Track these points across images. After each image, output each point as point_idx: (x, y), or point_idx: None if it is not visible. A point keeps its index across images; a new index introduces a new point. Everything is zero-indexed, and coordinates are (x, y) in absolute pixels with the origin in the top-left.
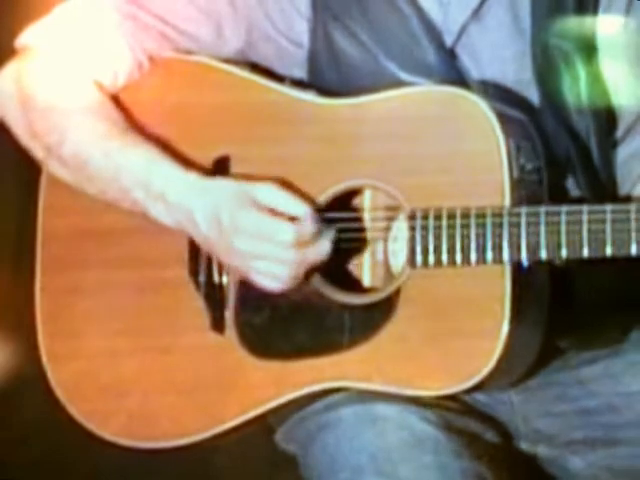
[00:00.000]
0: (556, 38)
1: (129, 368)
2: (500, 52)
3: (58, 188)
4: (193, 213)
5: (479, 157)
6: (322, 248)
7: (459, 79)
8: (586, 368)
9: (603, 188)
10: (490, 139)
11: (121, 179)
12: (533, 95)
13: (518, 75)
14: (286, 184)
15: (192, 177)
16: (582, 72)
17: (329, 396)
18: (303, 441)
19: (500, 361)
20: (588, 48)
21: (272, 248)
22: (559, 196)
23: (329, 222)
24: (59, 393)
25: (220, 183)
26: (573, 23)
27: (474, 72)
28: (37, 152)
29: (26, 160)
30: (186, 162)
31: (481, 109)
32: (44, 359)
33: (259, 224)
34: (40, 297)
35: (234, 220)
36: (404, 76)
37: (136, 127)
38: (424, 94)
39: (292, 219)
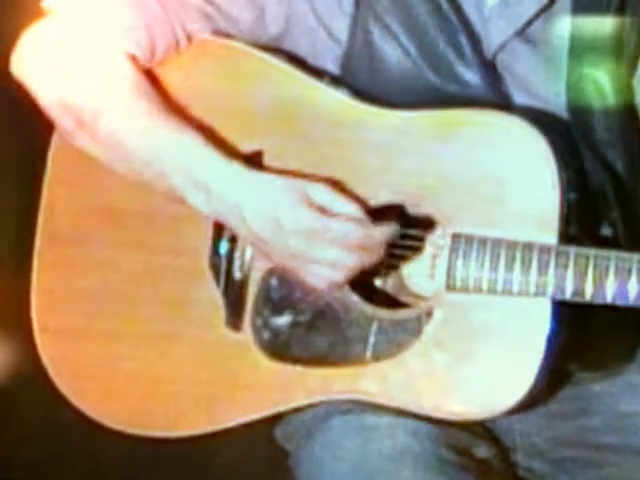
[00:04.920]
0: (590, 69)
1: (128, 353)
2: (535, 75)
3: (67, 159)
4: (241, 208)
5: (532, 189)
6: (378, 252)
7: (497, 95)
8: (587, 385)
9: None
10: (545, 173)
11: (160, 162)
12: (565, 119)
13: (552, 99)
14: (336, 185)
15: (236, 167)
16: (615, 102)
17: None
18: (296, 444)
19: (526, 397)
20: (624, 81)
21: (334, 251)
22: (590, 232)
23: None
24: (50, 370)
25: (268, 178)
26: (610, 54)
27: (511, 91)
28: (65, 124)
29: (26, 158)
30: (229, 150)
31: (537, 140)
32: (36, 333)
33: (323, 226)
34: (37, 271)
35: (296, 222)
36: (440, 83)
37: (175, 109)
38: (480, 116)
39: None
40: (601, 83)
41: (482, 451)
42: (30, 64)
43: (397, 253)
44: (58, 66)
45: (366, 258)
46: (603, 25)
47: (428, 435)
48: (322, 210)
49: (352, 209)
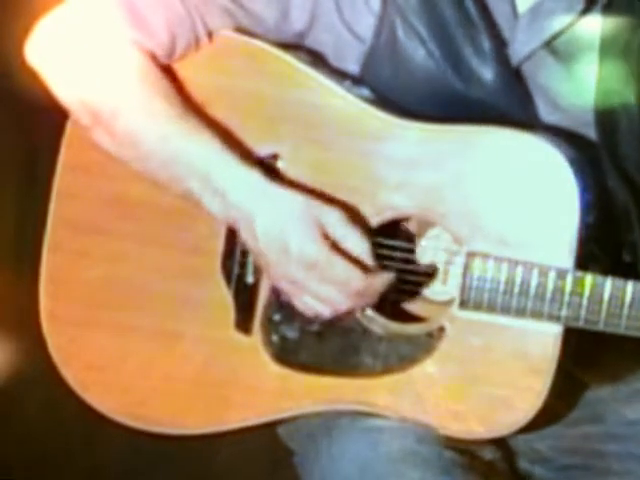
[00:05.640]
0: (620, 85)
1: (135, 347)
2: (560, 87)
3: (84, 146)
4: (254, 221)
5: (550, 211)
6: (372, 299)
7: (517, 99)
8: (592, 392)
9: None
10: (564, 196)
11: (176, 166)
12: (591, 135)
13: (578, 112)
14: (347, 210)
15: (255, 176)
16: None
17: None
18: (301, 444)
19: (536, 416)
20: None
21: (330, 290)
22: (611, 253)
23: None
24: (55, 358)
25: (286, 194)
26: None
27: (536, 101)
28: (83, 120)
29: (26, 159)
30: (246, 152)
31: (558, 162)
32: (42, 319)
33: (328, 263)
34: (46, 257)
35: (302, 251)
36: (461, 86)
37: (194, 110)
38: (501, 135)
39: (356, 261)
40: (628, 98)
41: (487, 453)
42: (48, 57)
43: (409, 279)
44: (76, 63)
45: (359, 303)
46: (632, 40)
47: (434, 437)
48: (332, 244)
49: (362, 247)
